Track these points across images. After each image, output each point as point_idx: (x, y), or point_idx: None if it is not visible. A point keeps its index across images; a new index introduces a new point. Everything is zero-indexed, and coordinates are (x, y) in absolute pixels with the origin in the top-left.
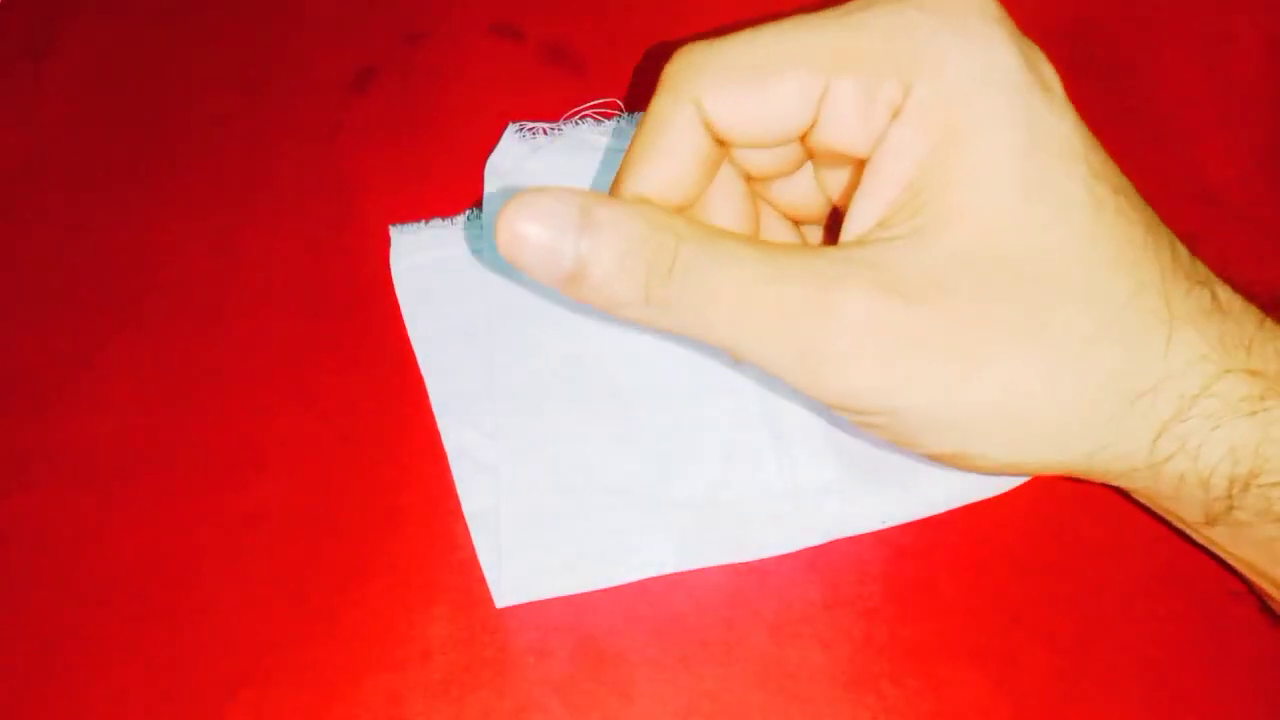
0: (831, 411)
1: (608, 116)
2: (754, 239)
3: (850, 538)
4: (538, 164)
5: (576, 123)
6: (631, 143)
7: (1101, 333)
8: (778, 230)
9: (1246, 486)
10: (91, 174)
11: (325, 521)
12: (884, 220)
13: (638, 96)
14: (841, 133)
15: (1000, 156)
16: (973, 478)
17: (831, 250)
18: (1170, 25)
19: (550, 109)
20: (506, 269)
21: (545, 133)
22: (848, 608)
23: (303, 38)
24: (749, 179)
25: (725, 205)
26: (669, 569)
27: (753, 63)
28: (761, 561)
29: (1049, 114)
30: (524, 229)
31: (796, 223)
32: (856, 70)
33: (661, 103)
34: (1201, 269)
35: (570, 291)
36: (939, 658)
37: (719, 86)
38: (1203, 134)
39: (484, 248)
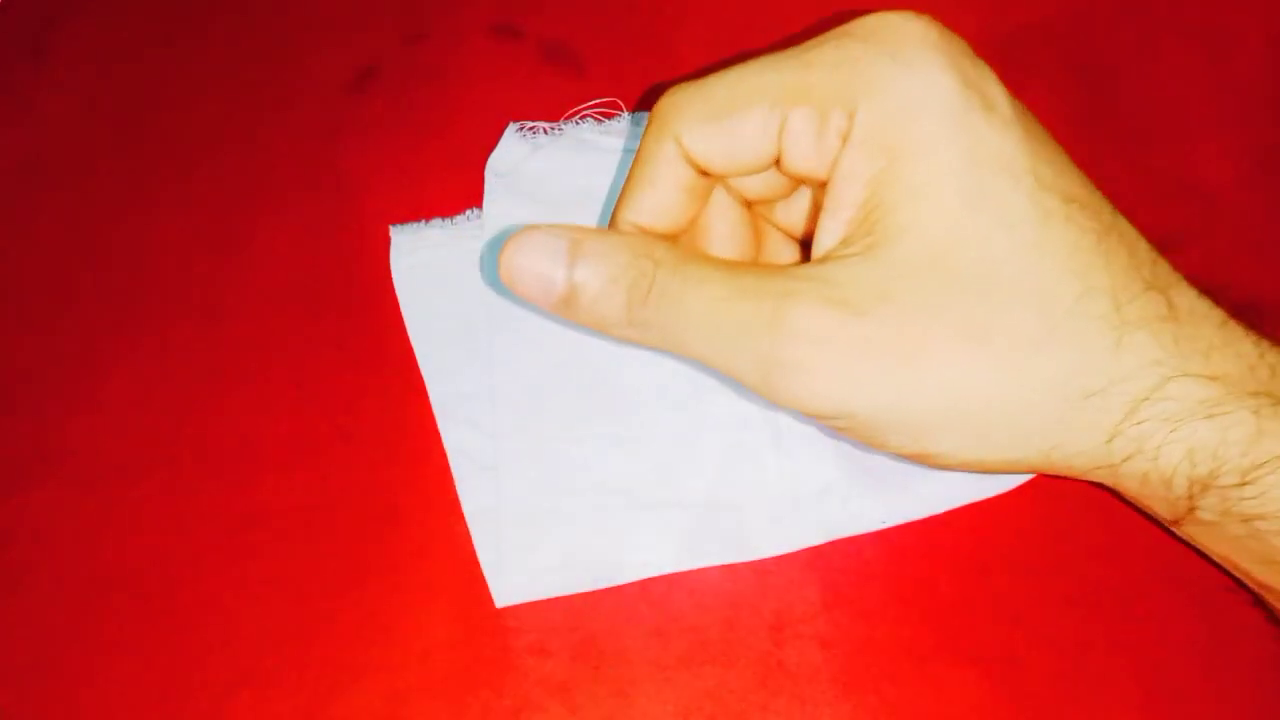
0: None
1: (608, 116)
2: (722, 261)
3: (850, 538)
4: (538, 164)
5: (577, 122)
6: (628, 175)
7: (1047, 337)
8: (782, 248)
9: (1206, 488)
10: (91, 174)
11: (325, 521)
12: (846, 238)
13: (638, 96)
14: (802, 160)
15: (941, 175)
16: (972, 478)
17: (791, 269)
18: (1170, 24)
19: (550, 109)
20: None
21: (545, 132)
22: (847, 608)
23: (303, 38)
24: (750, 203)
25: (722, 227)
26: (669, 569)
27: (720, 102)
28: (761, 561)
29: (989, 132)
30: (521, 261)
31: (802, 242)
32: (807, 102)
33: (648, 140)
34: (1164, 273)
35: (564, 313)
36: (939, 658)
37: (694, 124)
38: (1202, 134)
39: (483, 248)
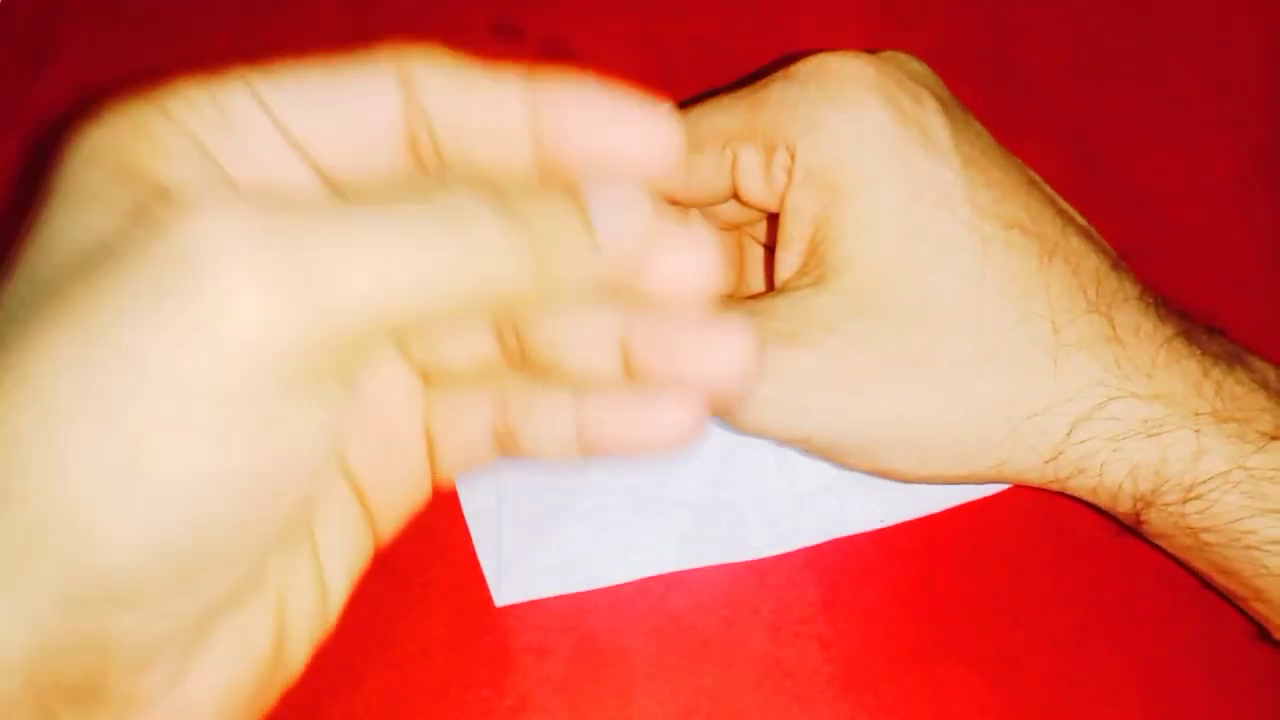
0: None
1: None
2: None
3: (849, 537)
4: None
5: None
6: None
7: (986, 361)
8: (762, 263)
9: (1149, 504)
10: None
11: None
12: (801, 268)
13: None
14: (754, 193)
15: (881, 210)
16: None
17: (746, 303)
18: (1167, 26)
19: None
20: None
21: None
22: (846, 608)
23: (303, 38)
24: (731, 226)
25: None
26: (669, 568)
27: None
28: (761, 561)
29: (926, 164)
30: None
31: None
32: (754, 142)
33: None
34: (1110, 292)
35: None
36: (938, 658)
37: None
38: (1203, 134)
39: None
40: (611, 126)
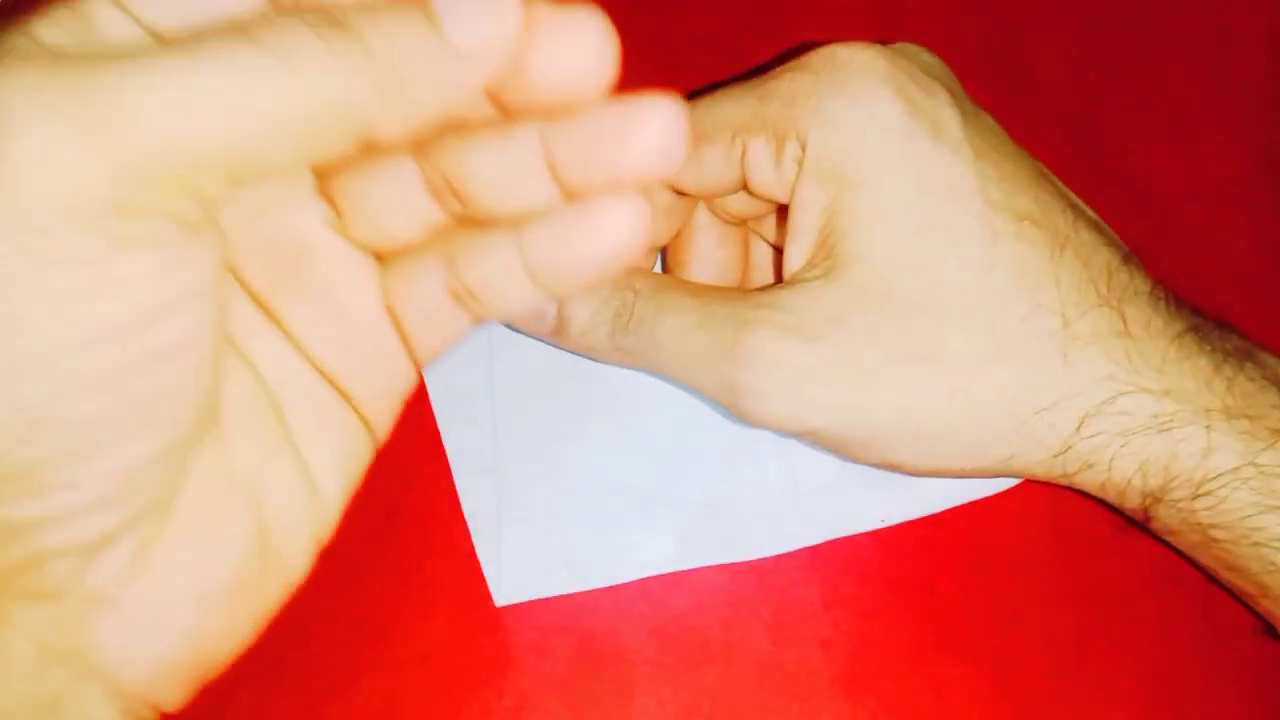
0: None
1: None
2: (696, 287)
3: (850, 537)
4: None
5: None
6: None
7: (995, 354)
8: (769, 258)
9: (1158, 500)
10: None
11: None
12: (809, 260)
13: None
14: (764, 185)
15: (890, 201)
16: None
17: (755, 295)
18: (1170, 24)
19: None
20: None
21: None
22: (847, 608)
23: None
24: (738, 219)
25: (705, 243)
26: (669, 568)
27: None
28: (761, 561)
29: (937, 156)
30: None
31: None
32: (764, 133)
33: None
34: (1121, 286)
35: (558, 340)
36: (938, 658)
37: None
38: (1203, 134)
39: None
40: None
